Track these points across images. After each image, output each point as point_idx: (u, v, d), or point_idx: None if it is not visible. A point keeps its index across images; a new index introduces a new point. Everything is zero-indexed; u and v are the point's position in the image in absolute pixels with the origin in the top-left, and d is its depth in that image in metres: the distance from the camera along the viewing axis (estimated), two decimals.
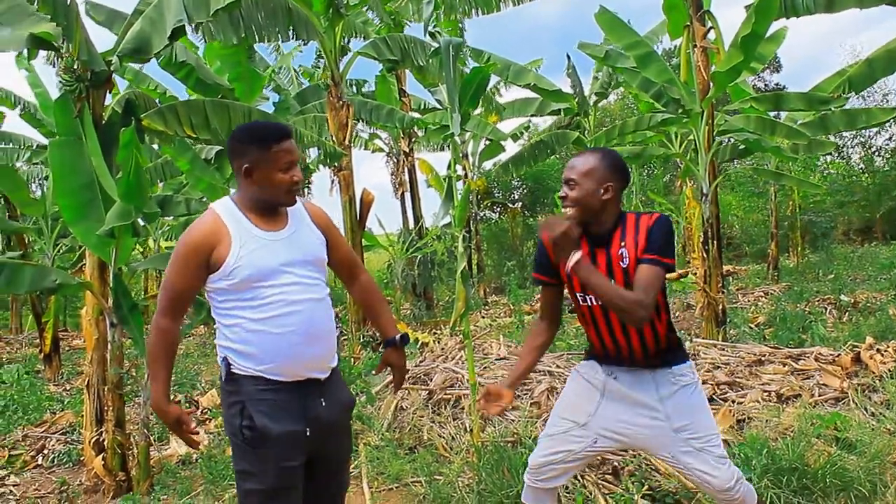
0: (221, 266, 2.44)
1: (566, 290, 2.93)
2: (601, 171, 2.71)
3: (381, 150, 19.55)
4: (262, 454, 2.43)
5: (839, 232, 19.92)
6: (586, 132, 14.83)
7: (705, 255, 7.52)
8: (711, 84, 7.82)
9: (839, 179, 21.22)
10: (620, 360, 2.83)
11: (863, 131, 21.62)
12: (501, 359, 5.71)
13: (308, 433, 2.49)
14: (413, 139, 15.75)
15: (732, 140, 10.25)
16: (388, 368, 2.97)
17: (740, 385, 5.11)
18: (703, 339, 6.79)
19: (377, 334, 2.94)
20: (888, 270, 10.65)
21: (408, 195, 15.70)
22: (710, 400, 4.87)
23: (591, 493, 3.90)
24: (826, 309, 9.19)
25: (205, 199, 6.90)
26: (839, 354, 5.23)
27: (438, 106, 14.06)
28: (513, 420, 4.57)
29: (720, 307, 7.34)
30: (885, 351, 5.27)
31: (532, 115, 15.49)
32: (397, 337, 2.90)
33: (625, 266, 2.69)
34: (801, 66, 51.57)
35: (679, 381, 2.77)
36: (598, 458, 4.15)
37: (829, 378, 4.89)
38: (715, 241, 7.51)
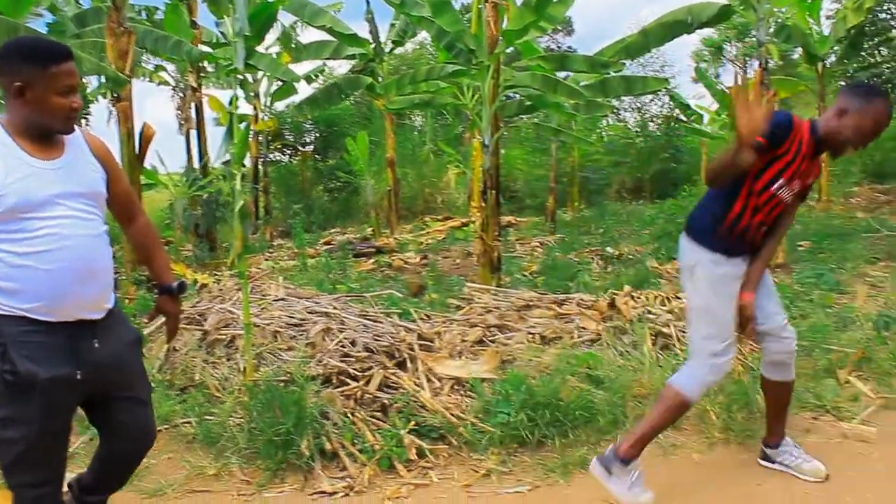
0: None
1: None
2: None
3: (166, 83, 18.59)
4: (26, 400, 2.28)
5: (613, 189, 21.28)
6: (380, 78, 14.85)
7: (484, 205, 7.80)
8: (500, 39, 8.03)
9: (616, 141, 22.60)
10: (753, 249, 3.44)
11: (640, 98, 23.07)
12: (280, 300, 5.68)
13: (80, 376, 2.36)
14: (202, 74, 15.08)
15: (519, 96, 10.64)
16: (161, 315, 2.88)
17: (508, 328, 5.39)
18: (478, 284, 7.06)
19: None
20: (650, 226, 11.52)
21: (194, 133, 15.07)
22: (480, 342, 5.12)
23: (359, 430, 4.00)
24: (593, 259, 9.85)
25: None
26: (597, 300, 5.64)
27: (224, 39, 13.51)
28: (286, 360, 4.57)
29: (496, 255, 7.67)
30: (638, 298, 5.75)
31: (327, 59, 15.31)
32: (175, 284, 2.81)
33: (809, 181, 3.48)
34: (595, 31, 54.19)
35: None
36: (369, 396, 4.27)
37: (587, 321, 5.27)
38: (494, 192, 7.81)
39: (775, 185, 3.30)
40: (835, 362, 5.02)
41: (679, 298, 5.81)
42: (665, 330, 5.12)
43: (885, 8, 15.36)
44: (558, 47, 31.46)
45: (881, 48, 15.99)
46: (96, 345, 2.43)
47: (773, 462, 3.76)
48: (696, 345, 3.44)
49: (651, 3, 37.27)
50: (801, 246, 10.06)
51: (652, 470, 3.65)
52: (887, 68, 15.79)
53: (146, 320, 3.03)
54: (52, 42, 2.46)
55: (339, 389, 4.28)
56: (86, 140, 2.56)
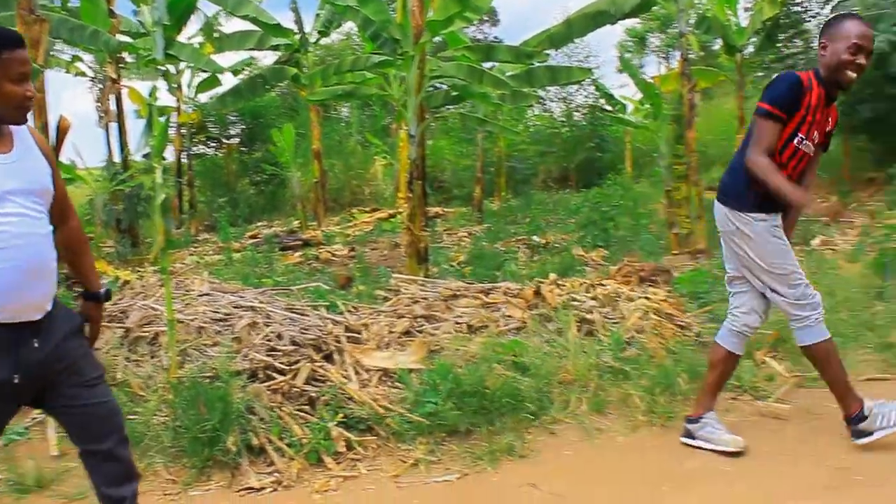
0: None
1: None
2: None
3: (84, 74, 18.04)
4: None
5: (539, 179, 21.50)
6: (305, 69, 14.69)
7: (410, 196, 7.80)
8: (426, 29, 8.03)
9: (542, 130, 22.82)
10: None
11: (566, 88, 23.29)
12: (204, 295, 5.59)
13: (17, 381, 2.29)
14: (121, 65, 14.69)
15: (445, 86, 10.66)
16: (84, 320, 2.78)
17: (436, 318, 5.41)
18: (406, 275, 7.06)
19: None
20: (575, 215, 11.69)
21: (114, 125, 14.68)
22: (408, 333, 5.13)
23: (287, 424, 3.98)
24: (520, 248, 9.95)
25: None
26: (523, 289, 5.70)
27: (143, 29, 13.20)
28: (211, 356, 4.51)
29: (423, 245, 7.68)
30: (563, 285, 5.84)
31: (251, 49, 15.05)
32: (102, 291, 2.73)
33: (829, 132, 3.78)
34: (521, 22, 54.52)
35: None
36: (297, 390, 4.25)
37: (513, 310, 5.33)
38: (420, 182, 7.81)
39: (795, 140, 3.61)
40: (752, 344, 5.17)
41: (603, 285, 5.93)
42: (589, 316, 5.20)
43: (797, 1, 15.83)
44: (484, 37, 31.62)
45: (795, 40, 16.47)
46: (36, 344, 2.35)
47: (693, 438, 3.88)
48: (787, 301, 3.68)
49: None
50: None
51: (577, 453, 3.73)
52: (801, 59, 16.27)
53: None
54: (3, 28, 2.38)
55: (266, 384, 4.23)
56: (32, 135, 2.48)
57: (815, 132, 3.63)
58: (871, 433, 3.71)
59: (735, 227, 3.70)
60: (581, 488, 3.54)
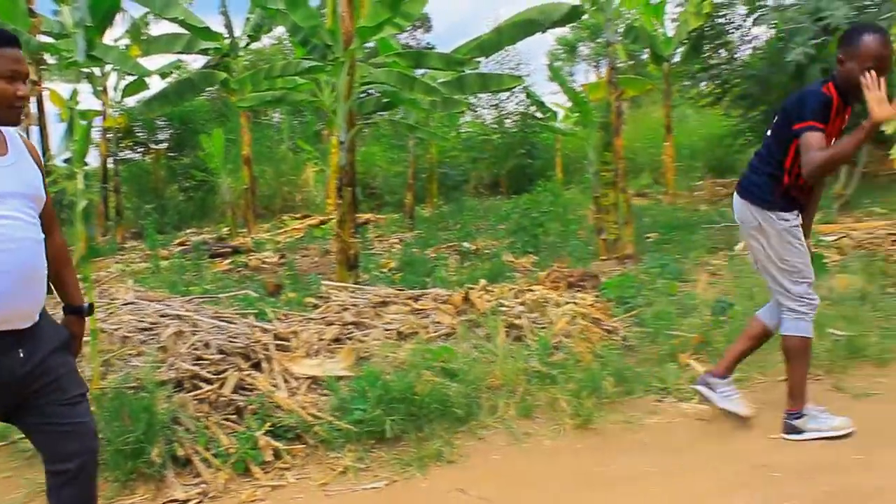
0: None
1: None
2: None
3: None
4: None
5: (471, 185, 21.63)
6: (235, 73, 14.51)
7: (340, 202, 7.77)
8: (355, 36, 8.02)
9: (474, 137, 22.96)
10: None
11: (498, 95, 23.49)
12: (129, 304, 5.48)
13: None
14: (42, 66, 14.30)
15: (377, 93, 10.64)
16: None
17: (365, 325, 5.41)
18: (336, 282, 7.04)
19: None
20: (506, 221, 11.79)
21: (35, 129, 14.28)
22: (338, 340, 5.12)
23: (213, 434, 3.93)
24: (450, 255, 10.00)
25: None
26: (452, 295, 5.74)
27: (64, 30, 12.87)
28: (136, 366, 4.43)
29: (353, 252, 7.66)
30: (492, 291, 5.90)
31: (179, 52, 14.81)
32: (85, 306, 2.71)
33: None
34: (456, 29, 54.87)
35: None
36: (224, 399, 4.19)
37: (442, 316, 5.36)
38: (350, 189, 7.79)
39: None
40: (677, 347, 5.31)
41: (532, 291, 6.01)
42: (517, 322, 5.26)
43: (721, 13, 16.27)
44: (418, 44, 31.70)
45: (720, 50, 16.94)
46: (21, 354, 2.29)
47: (802, 432, 3.96)
48: (787, 295, 3.91)
49: (511, 2, 38.51)
50: (649, 237, 10.55)
51: (505, 457, 3.77)
52: (724, 69, 16.74)
53: None
54: None
55: (192, 394, 4.18)
56: (22, 141, 2.43)
57: (833, 139, 3.80)
58: (801, 432, 3.91)
59: (757, 222, 3.91)
60: (509, 492, 3.59)
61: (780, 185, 3.86)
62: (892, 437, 3.93)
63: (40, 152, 2.59)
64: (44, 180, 2.49)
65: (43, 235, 2.40)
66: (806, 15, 13.38)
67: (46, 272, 2.42)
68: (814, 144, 3.61)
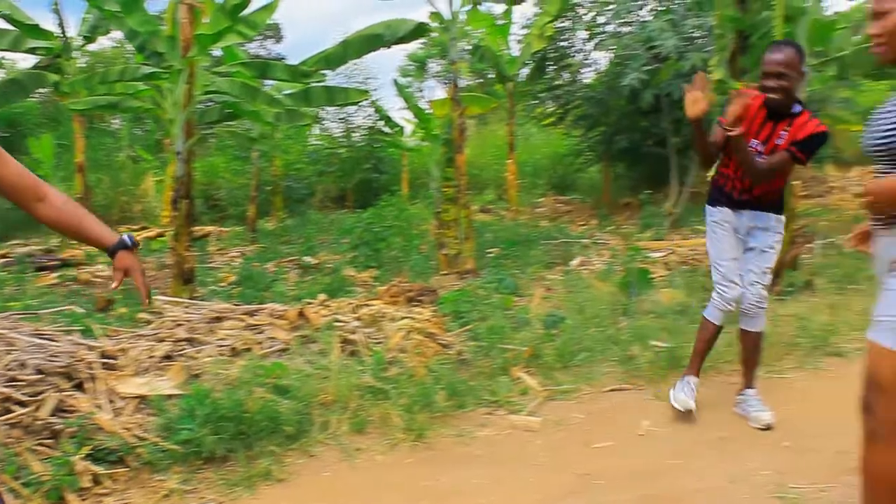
0: None
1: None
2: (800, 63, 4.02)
3: None
4: None
5: (317, 199, 21.42)
6: (68, 76, 13.81)
7: (176, 214, 7.55)
8: (194, 43, 7.83)
9: (320, 150, 22.80)
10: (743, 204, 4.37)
11: (346, 108, 23.42)
12: None
13: None
14: None
15: (219, 103, 10.41)
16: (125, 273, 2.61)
17: (199, 341, 5.26)
18: (171, 297, 6.82)
19: None
20: (349, 235, 11.77)
21: None
22: (169, 357, 4.96)
23: (25, 461, 3.71)
24: (291, 269, 9.89)
25: None
26: (287, 310, 5.68)
27: None
28: None
29: (188, 266, 7.45)
30: (330, 306, 5.89)
31: (4, 50, 13.97)
32: (125, 237, 2.55)
33: (778, 143, 4.15)
34: (308, 40, 54.43)
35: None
36: (40, 423, 3.98)
37: (277, 331, 5.29)
38: (186, 200, 7.58)
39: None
40: (509, 360, 5.47)
41: (369, 305, 6.05)
42: (352, 337, 5.26)
43: (564, 37, 16.96)
44: (268, 53, 31.27)
45: (562, 72, 17.62)
46: None
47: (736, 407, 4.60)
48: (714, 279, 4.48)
49: (364, 14, 38.51)
50: (490, 252, 10.79)
51: (336, 474, 3.78)
52: (567, 90, 17.44)
53: (113, 287, 2.56)
54: None
55: (3, 418, 3.94)
56: None
57: (761, 144, 4.28)
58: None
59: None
60: None
61: (715, 182, 4.54)
62: (710, 441, 4.23)
63: None
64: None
65: None
66: (640, 43, 14.19)
67: None
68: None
